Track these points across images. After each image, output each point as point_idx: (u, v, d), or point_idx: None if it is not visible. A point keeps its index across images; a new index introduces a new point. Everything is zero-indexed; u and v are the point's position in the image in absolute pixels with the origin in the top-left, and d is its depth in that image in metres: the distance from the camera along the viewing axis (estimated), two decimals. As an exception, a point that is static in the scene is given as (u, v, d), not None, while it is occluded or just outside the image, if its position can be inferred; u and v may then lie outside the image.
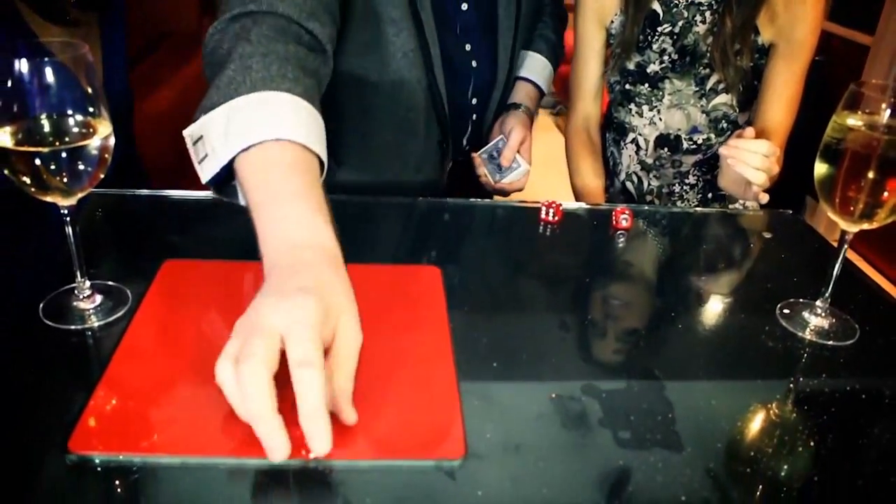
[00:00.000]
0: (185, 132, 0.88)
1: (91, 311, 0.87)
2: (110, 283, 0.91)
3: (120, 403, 0.72)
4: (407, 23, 1.22)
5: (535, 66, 1.50)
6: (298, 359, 0.61)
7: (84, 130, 0.79)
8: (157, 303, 0.89)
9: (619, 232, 1.15)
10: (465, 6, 1.32)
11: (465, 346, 0.84)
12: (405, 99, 1.29)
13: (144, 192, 1.16)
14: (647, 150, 1.58)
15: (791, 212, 1.29)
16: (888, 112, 0.84)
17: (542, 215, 1.15)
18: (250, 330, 0.64)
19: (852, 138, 0.84)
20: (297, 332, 0.62)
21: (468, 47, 1.34)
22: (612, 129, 1.65)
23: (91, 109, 0.79)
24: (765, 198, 1.26)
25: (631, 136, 1.60)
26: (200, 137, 0.86)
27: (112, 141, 0.81)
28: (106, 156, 0.81)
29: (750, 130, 1.24)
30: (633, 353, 0.88)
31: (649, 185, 1.61)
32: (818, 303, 0.95)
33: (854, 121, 0.85)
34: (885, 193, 0.83)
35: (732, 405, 0.79)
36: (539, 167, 5.09)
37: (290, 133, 0.80)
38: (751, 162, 1.19)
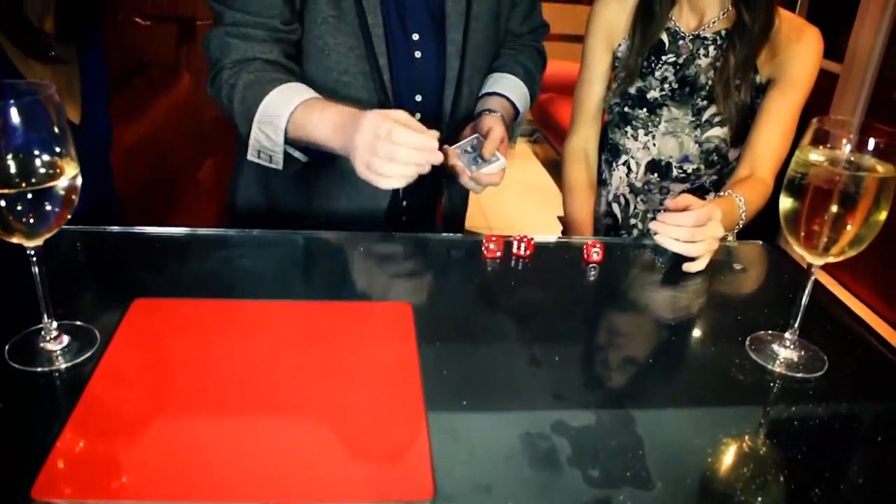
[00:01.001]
0: (249, 156, 1.27)
1: (58, 352, 0.85)
2: (78, 322, 0.90)
3: (86, 448, 0.71)
4: (346, 3, 1.25)
5: (510, 86, 1.49)
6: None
7: (51, 171, 0.79)
8: (125, 343, 0.88)
9: (590, 265, 1.16)
10: None
11: (435, 382, 0.84)
12: (349, 91, 1.29)
13: (115, 228, 1.15)
14: (637, 173, 1.61)
15: (762, 242, 1.30)
16: (849, 148, 0.86)
17: (514, 249, 1.15)
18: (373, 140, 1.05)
19: (815, 173, 0.85)
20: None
21: (416, 37, 1.33)
22: (606, 149, 1.68)
23: (58, 149, 0.79)
24: (697, 266, 1.17)
25: (623, 157, 1.62)
26: (258, 151, 1.25)
27: (79, 181, 0.81)
28: (73, 197, 0.81)
29: (679, 201, 1.19)
30: (603, 387, 0.88)
31: (635, 208, 1.63)
32: (787, 335, 0.96)
33: (817, 156, 0.86)
34: (848, 228, 0.84)
35: (703, 440, 0.79)
36: (517, 195, 5.13)
37: (291, 105, 1.18)
38: (675, 235, 1.16)
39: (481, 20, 1.38)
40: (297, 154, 1.26)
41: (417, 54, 1.34)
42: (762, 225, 1.43)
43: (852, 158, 0.85)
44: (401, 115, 1.07)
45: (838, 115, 3.59)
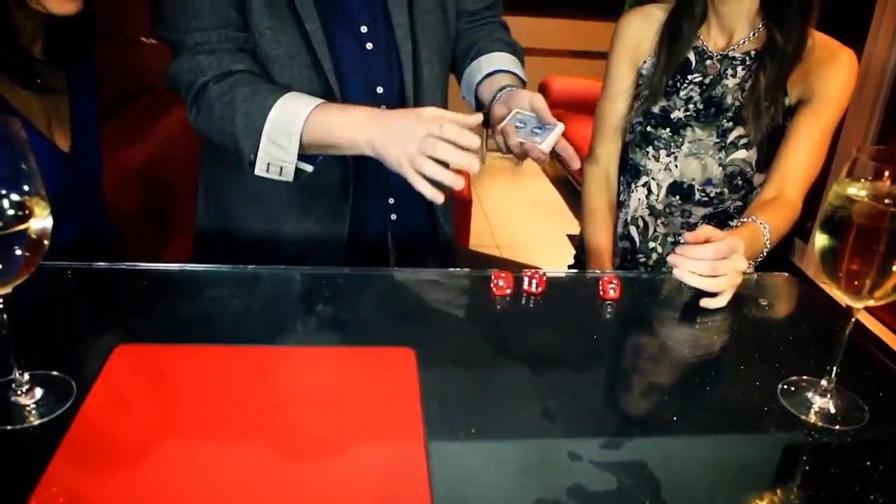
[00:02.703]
0: (258, 171, 1.20)
1: (31, 406, 0.79)
2: (54, 373, 0.84)
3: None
4: (283, 11, 1.23)
5: (504, 60, 1.45)
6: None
7: (19, 213, 0.72)
8: (104, 395, 0.81)
9: (606, 303, 1.09)
10: None
11: (439, 440, 0.78)
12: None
13: (101, 264, 1.09)
14: (658, 195, 1.55)
15: (787, 274, 1.23)
16: (892, 181, 0.78)
17: (525, 286, 1.08)
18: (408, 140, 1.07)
19: (857, 210, 0.78)
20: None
21: (364, 29, 1.30)
22: (626, 170, 1.63)
23: (26, 188, 0.73)
24: (717, 303, 1.10)
25: (644, 179, 1.57)
26: (268, 164, 1.20)
27: (49, 223, 0.75)
28: (44, 241, 0.75)
29: (699, 233, 1.12)
30: (623, 446, 0.80)
31: (655, 231, 1.57)
32: (823, 381, 0.89)
33: (857, 190, 0.79)
34: (894, 269, 0.77)
35: (732, 501, 0.72)
36: (526, 213, 5.09)
37: (305, 109, 1.16)
38: (695, 269, 1.08)
39: (424, 1, 1.35)
40: (303, 165, 1.22)
41: (369, 46, 1.31)
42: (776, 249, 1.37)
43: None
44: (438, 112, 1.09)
45: (853, 130, 3.54)
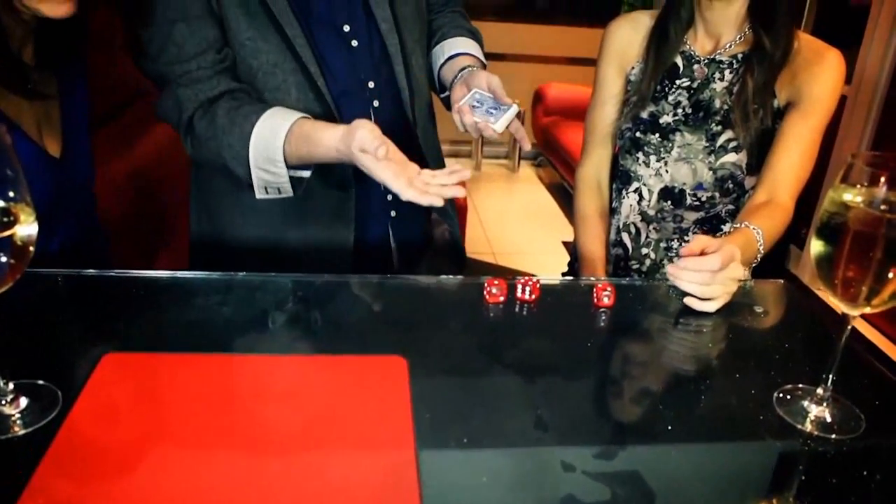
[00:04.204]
0: (259, 195, 1.25)
1: (15, 416, 0.78)
2: (39, 382, 0.82)
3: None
4: (261, 21, 1.23)
5: (466, 44, 1.48)
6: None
7: (4, 219, 0.71)
8: (91, 405, 0.80)
9: (600, 310, 1.08)
10: None
11: (431, 452, 0.76)
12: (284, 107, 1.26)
13: (90, 271, 1.08)
14: (649, 200, 1.54)
15: (782, 281, 1.22)
16: (887, 187, 0.77)
17: (518, 293, 1.07)
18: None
19: (853, 216, 0.77)
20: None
21: (347, 28, 1.31)
22: (617, 177, 1.63)
23: (11, 194, 0.71)
24: (707, 307, 1.09)
25: (635, 185, 1.56)
26: (265, 188, 1.24)
27: (35, 230, 0.74)
28: (30, 248, 0.74)
29: (693, 246, 1.11)
30: (617, 455, 0.79)
31: (647, 237, 1.56)
32: (819, 390, 0.88)
33: (853, 196, 0.78)
34: (891, 276, 0.76)
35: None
36: (521, 220, 5.08)
37: (285, 127, 1.18)
38: (695, 280, 1.08)
39: None
40: (302, 173, 1.25)
41: (354, 43, 1.33)
42: (772, 254, 1.36)
43: (892, 198, 0.77)
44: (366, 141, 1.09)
45: (848, 136, 3.54)
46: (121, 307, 1.01)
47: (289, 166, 1.20)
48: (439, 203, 1.05)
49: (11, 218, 0.72)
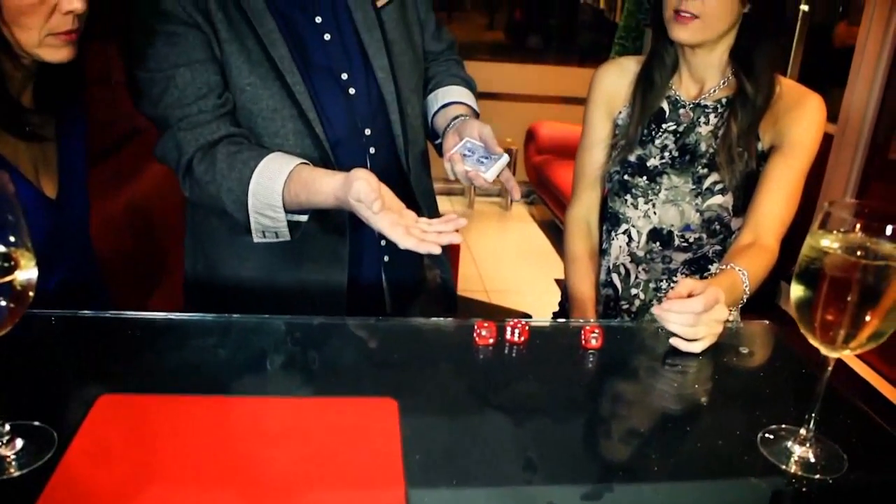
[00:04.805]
0: (256, 239, 1.26)
1: (11, 458, 0.78)
2: (35, 423, 0.83)
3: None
4: (262, 67, 1.26)
5: (460, 93, 1.52)
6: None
7: (5, 264, 0.73)
8: (86, 446, 0.81)
9: (588, 352, 1.09)
10: (327, 37, 1.34)
11: (420, 493, 0.77)
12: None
13: (86, 312, 1.09)
14: (638, 242, 1.57)
15: (767, 322, 1.24)
16: (863, 232, 0.80)
17: (507, 335, 1.08)
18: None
19: (830, 262, 0.79)
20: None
21: (345, 76, 1.35)
22: (607, 218, 1.66)
23: (12, 240, 0.73)
24: (692, 348, 1.10)
25: (623, 227, 1.59)
26: (263, 232, 1.25)
27: (35, 274, 0.75)
28: (29, 293, 0.75)
29: (681, 289, 1.13)
30: (603, 497, 0.80)
31: (636, 278, 1.59)
32: (802, 430, 0.89)
33: (829, 242, 0.81)
34: (867, 320, 0.78)
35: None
36: (514, 258, 5.08)
37: (284, 173, 1.19)
38: (680, 322, 1.09)
39: (398, 44, 1.41)
40: (300, 217, 1.26)
41: (351, 91, 1.36)
42: (762, 291, 1.38)
43: (868, 244, 0.80)
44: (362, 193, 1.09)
45: (835, 174, 3.59)
46: (116, 348, 1.03)
47: (287, 211, 1.21)
48: (437, 251, 1.06)
49: (12, 263, 0.73)
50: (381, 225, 1.08)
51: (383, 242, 1.44)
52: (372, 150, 1.37)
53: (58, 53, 1.13)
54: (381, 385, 0.98)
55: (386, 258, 1.46)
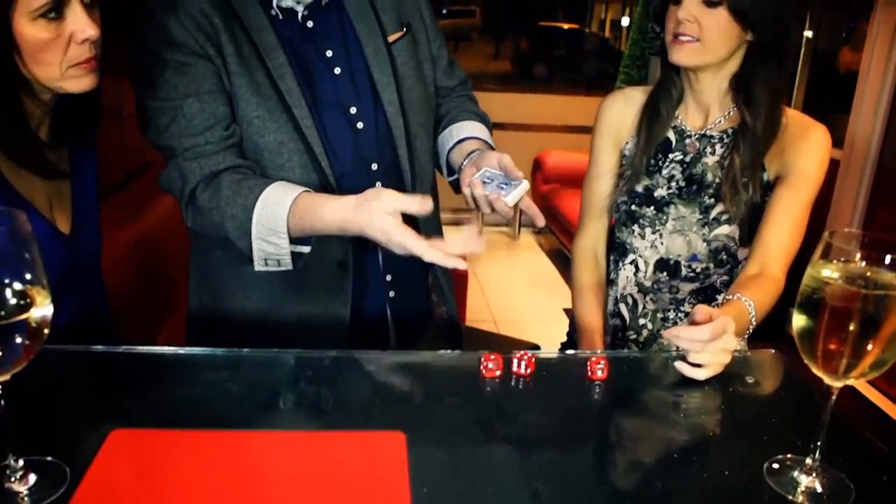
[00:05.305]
0: (258, 267, 1.25)
1: (24, 493, 0.80)
2: (48, 458, 0.85)
3: None
4: (270, 100, 1.27)
5: (475, 128, 1.51)
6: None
7: (21, 302, 0.75)
8: (98, 481, 0.82)
9: (595, 383, 1.10)
10: (337, 70, 1.34)
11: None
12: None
13: (99, 347, 1.11)
14: (645, 272, 1.58)
15: (774, 350, 1.24)
16: (864, 262, 0.81)
17: (514, 368, 1.09)
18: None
19: (830, 292, 0.80)
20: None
21: (353, 110, 1.35)
22: (614, 248, 1.66)
23: (28, 277, 0.75)
24: (697, 374, 1.11)
25: (631, 256, 1.60)
26: (265, 260, 1.24)
27: (50, 311, 0.77)
28: (45, 329, 0.77)
29: (696, 316, 1.13)
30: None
31: (644, 307, 1.59)
32: (808, 460, 0.89)
33: (830, 272, 0.82)
34: (869, 349, 0.79)
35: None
36: (522, 287, 5.07)
37: (289, 198, 1.20)
38: (689, 348, 1.10)
39: (408, 79, 1.41)
40: (302, 248, 1.26)
41: (360, 125, 1.36)
42: (771, 317, 1.38)
43: (868, 274, 0.81)
44: (389, 203, 1.11)
45: (842, 200, 3.59)
46: (127, 383, 1.04)
47: (291, 239, 1.21)
48: (462, 266, 1.07)
49: (27, 300, 0.75)
50: (406, 240, 1.09)
51: (388, 277, 1.44)
52: (378, 185, 1.37)
53: (81, 83, 1.15)
54: (388, 418, 0.98)
55: (391, 293, 1.46)
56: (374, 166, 1.38)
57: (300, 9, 1.31)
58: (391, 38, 1.40)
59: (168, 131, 1.26)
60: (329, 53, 1.34)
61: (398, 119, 1.39)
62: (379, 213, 1.10)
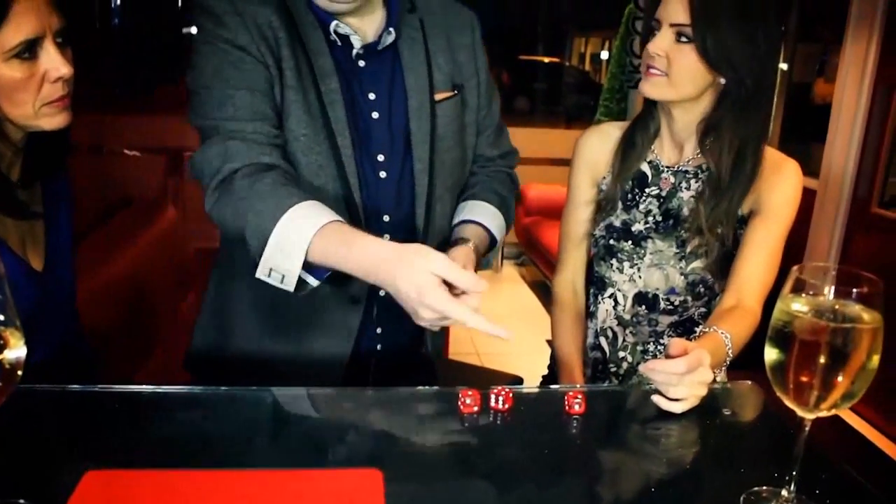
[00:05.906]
0: (259, 274, 1.15)
1: (-5, 538, 0.79)
2: (21, 501, 0.84)
3: None
4: (318, 122, 1.26)
5: (486, 213, 1.46)
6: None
7: (-7, 344, 0.74)
8: (71, 525, 0.81)
9: (572, 417, 1.10)
10: (375, 115, 1.33)
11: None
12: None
13: (75, 387, 1.10)
14: (624, 306, 1.59)
15: (750, 382, 1.25)
16: (832, 295, 0.82)
17: (492, 403, 1.10)
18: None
19: (799, 325, 0.81)
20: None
21: (381, 158, 1.34)
22: (593, 282, 1.67)
23: (1, 318, 0.75)
24: (675, 408, 1.11)
25: (609, 290, 1.61)
26: (270, 269, 1.15)
27: (23, 353, 0.77)
28: (18, 371, 0.77)
29: (671, 350, 1.15)
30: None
31: (624, 340, 1.60)
32: (784, 492, 0.90)
33: (799, 305, 0.83)
34: (839, 381, 0.80)
35: None
36: (505, 319, 5.07)
37: (323, 219, 1.13)
38: (664, 381, 1.11)
39: (446, 140, 1.39)
40: (308, 277, 1.19)
41: (382, 174, 1.34)
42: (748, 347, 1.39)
43: (837, 307, 0.82)
44: (439, 266, 1.06)
45: (818, 229, 3.63)
46: (102, 423, 1.03)
47: (307, 263, 1.14)
48: (506, 335, 1.07)
49: (1, 342, 0.75)
50: (460, 313, 1.06)
51: (375, 312, 1.41)
52: (387, 237, 1.32)
53: (55, 120, 1.16)
54: (365, 455, 0.98)
55: (378, 329, 1.43)
56: (386, 218, 1.35)
57: (357, 43, 1.30)
58: (438, 97, 1.38)
59: (215, 113, 1.23)
60: (372, 96, 1.33)
61: (424, 177, 1.36)
62: (422, 271, 1.05)
